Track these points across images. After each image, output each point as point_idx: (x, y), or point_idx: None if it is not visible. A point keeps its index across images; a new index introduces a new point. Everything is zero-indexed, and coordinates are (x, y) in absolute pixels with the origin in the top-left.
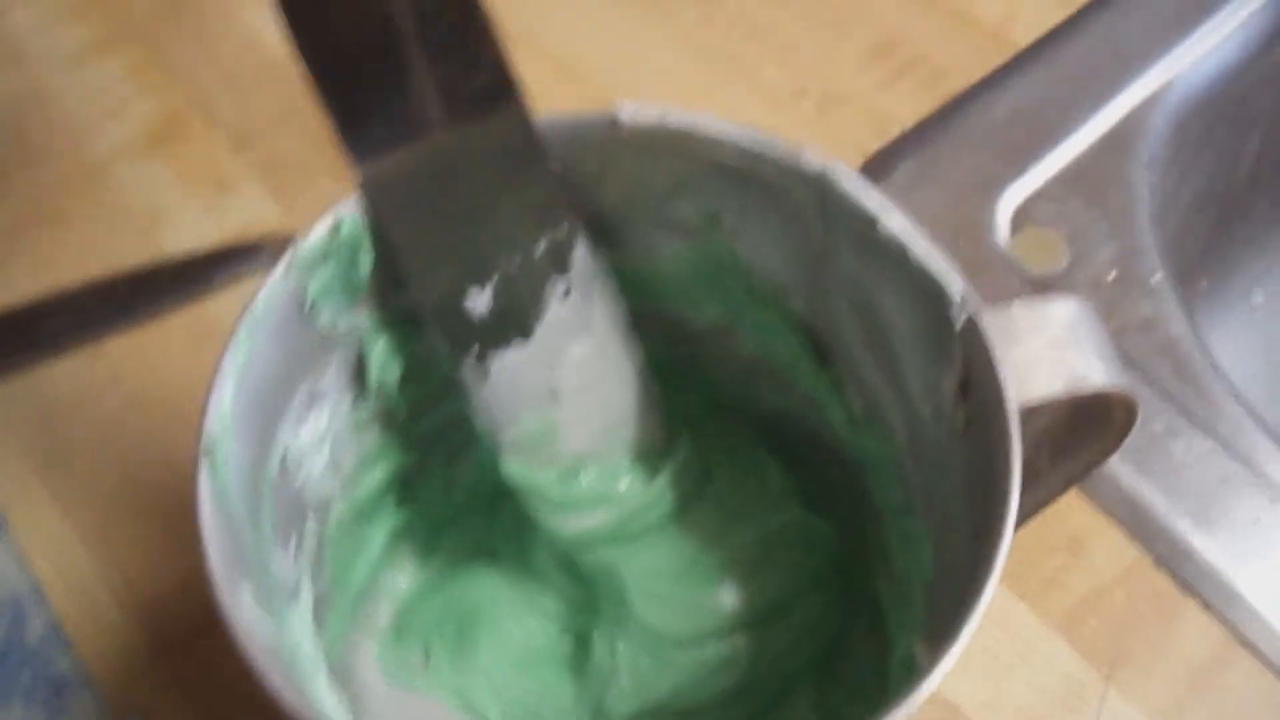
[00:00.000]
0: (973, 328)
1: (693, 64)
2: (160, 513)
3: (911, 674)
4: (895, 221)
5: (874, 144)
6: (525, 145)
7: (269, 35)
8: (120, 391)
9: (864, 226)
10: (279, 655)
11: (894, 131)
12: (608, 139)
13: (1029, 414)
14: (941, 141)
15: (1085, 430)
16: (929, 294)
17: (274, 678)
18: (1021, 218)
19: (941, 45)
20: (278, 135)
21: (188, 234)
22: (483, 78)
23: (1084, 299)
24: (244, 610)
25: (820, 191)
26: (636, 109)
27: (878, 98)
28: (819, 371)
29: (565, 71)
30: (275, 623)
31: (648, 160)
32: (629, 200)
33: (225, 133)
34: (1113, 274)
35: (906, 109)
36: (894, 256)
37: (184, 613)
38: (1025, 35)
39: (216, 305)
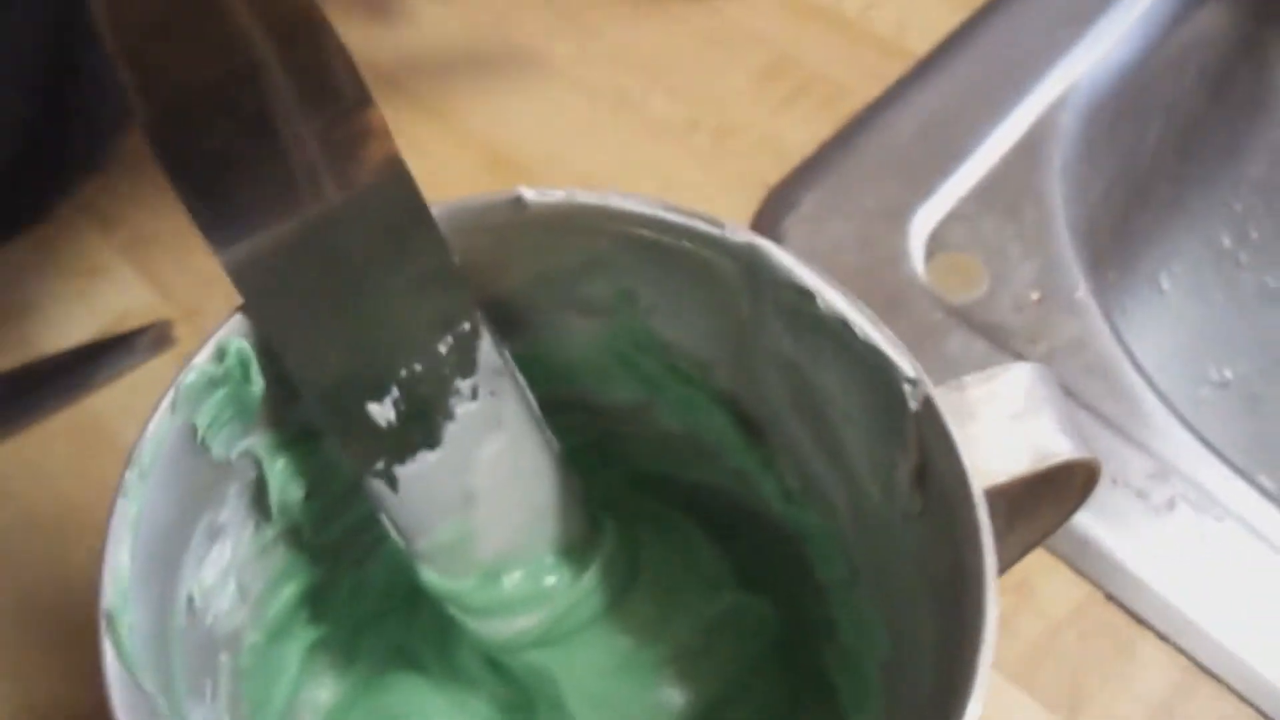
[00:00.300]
0: (929, 410)
1: (573, 100)
2: (62, 640)
3: None
4: (834, 297)
5: (774, 174)
6: (422, 243)
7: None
8: (7, 506)
9: (798, 302)
10: None
11: (794, 159)
12: (511, 221)
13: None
14: (845, 167)
15: (1044, 497)
16: (875, 372)
17: None
18: (935, 243)
19: (835, 61)
20: (145, 213)
21: (60, 327)
22: (358, 150)
23: (1038, 359)
24: None
25: (747, 265)
26: (540, 189)
27: (774, 123)
28: (748, 447)
29: (436, 119)
30: None
31: (555, 240)
32: (536, 283)
33: (90, 213)
34: (1036, 295)
35: (805, 133)
36: (833, 333)
37: None
38: (921, 44)
39: (100, 402)
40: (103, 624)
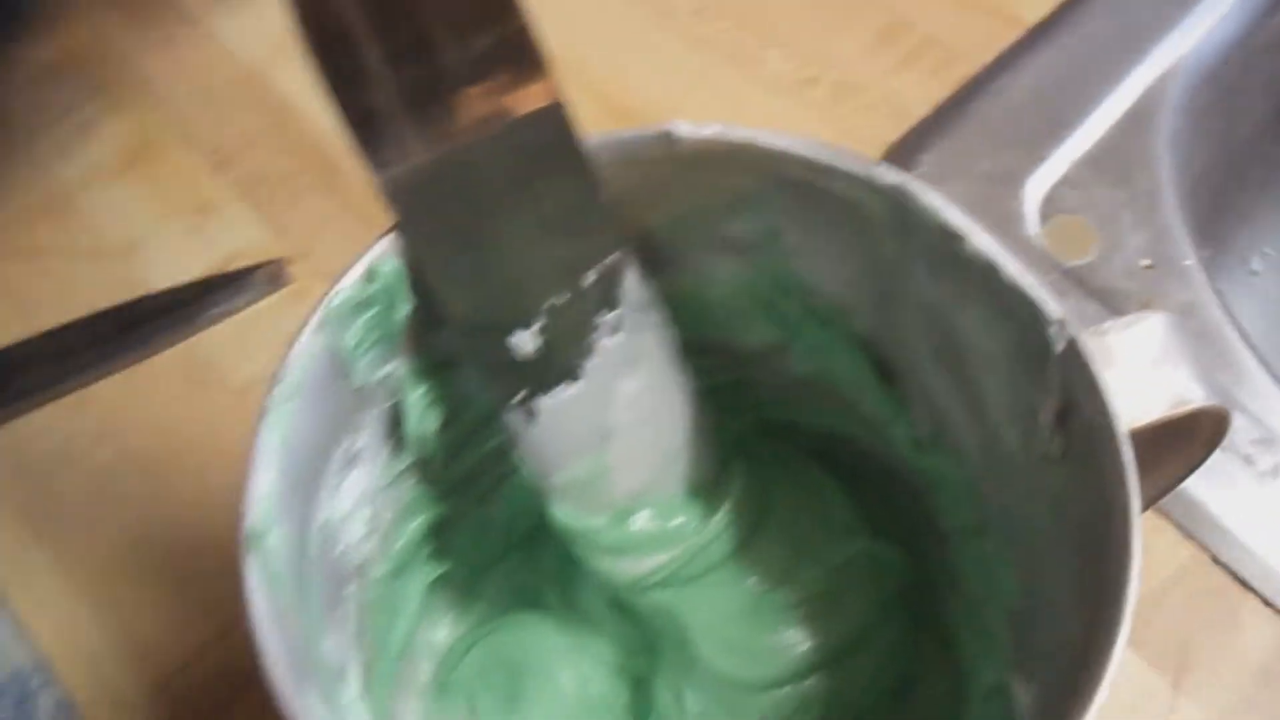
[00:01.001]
0: (1074, 351)
1: (691, 53)
2: (169, 574)
3: (1002, 707)
4: (983, 239)
5: (891, 133)
6: (574, 175)
7: (242, 45)
8: (111, 442)
9: (945, 243)
10: None
11: (909, 119)
12: (662, 156)
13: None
14: (961, 130)
15: (1170, 447)
16: (1020, 315)
17: None
18: (1049, 207)
19: (951, 26)
20: (259, 151)
21: (170, 264)
22: (512, 71)
23: (1163, 310)
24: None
25: (896, 206)
26: (692, 124)
27: (891, 83)
28: (883, 393)
29: (559, 68)
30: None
31: (704, 177)
32: (682, 220)
33: (202, 151)
34: (1146, 261)
35: (921, 94)
36: (979, 275)
37: (203, 683)
38: (1032, 13)
39: (209, 340)
40: (245, 544)
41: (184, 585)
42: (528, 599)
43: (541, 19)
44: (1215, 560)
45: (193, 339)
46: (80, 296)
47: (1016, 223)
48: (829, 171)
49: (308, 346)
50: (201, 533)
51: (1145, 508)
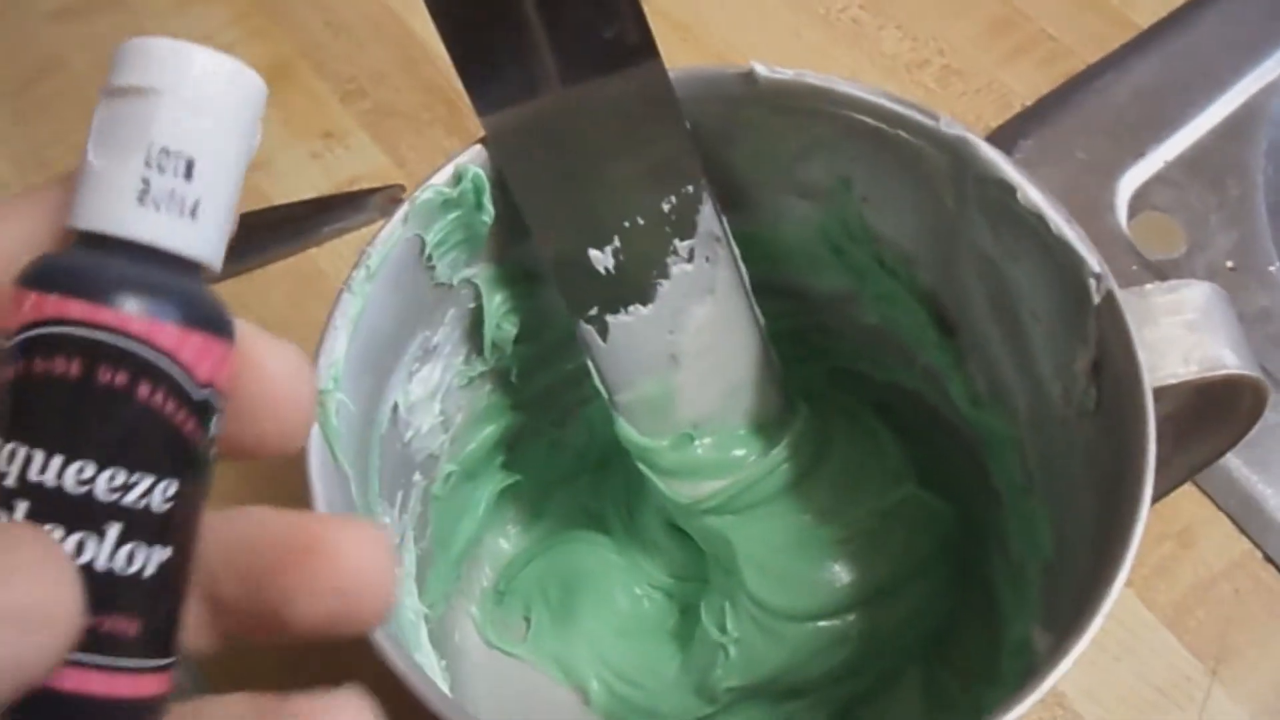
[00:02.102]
0: (1110, 303)
1: (812, 29)
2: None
3: (1027, 659)
4: (1033, 193)
5: (995, 119)
6: (659, 100)
7: None
8: None
9: (1002, 195)
10: None
11: (1013, 108)
12: (743, 95)
13: (1156, 398)
14: (1062, 121)
15: (1211, 417)
16: (1065, 267)
17: (381, 640)
18: (1140, 202)
19: (1062, 23)
20: (388, 86)
21: (294, 182)
22: (616, 29)
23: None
24: None
25: (957, 158)
26: (771, 66)
27: (998, 72)
28: (942, 344)
29: (681, 31)
30: None
31: (782, 119)
32: (759, 161)
33: (333, 82)
34: (1230, 263)
35: (1027, 85)
36: (1031, 227)
37: None
38: (1144, 17)
39: (323, 253)
40: None
41: (271, 492)
42: (591, 520)
43: None
44: (1268, 558)
45: (309, 251)
46: None
47: (1106, 214)
48: (898, 119)
49: (392, 235)
50: None
51: (1188, 477)
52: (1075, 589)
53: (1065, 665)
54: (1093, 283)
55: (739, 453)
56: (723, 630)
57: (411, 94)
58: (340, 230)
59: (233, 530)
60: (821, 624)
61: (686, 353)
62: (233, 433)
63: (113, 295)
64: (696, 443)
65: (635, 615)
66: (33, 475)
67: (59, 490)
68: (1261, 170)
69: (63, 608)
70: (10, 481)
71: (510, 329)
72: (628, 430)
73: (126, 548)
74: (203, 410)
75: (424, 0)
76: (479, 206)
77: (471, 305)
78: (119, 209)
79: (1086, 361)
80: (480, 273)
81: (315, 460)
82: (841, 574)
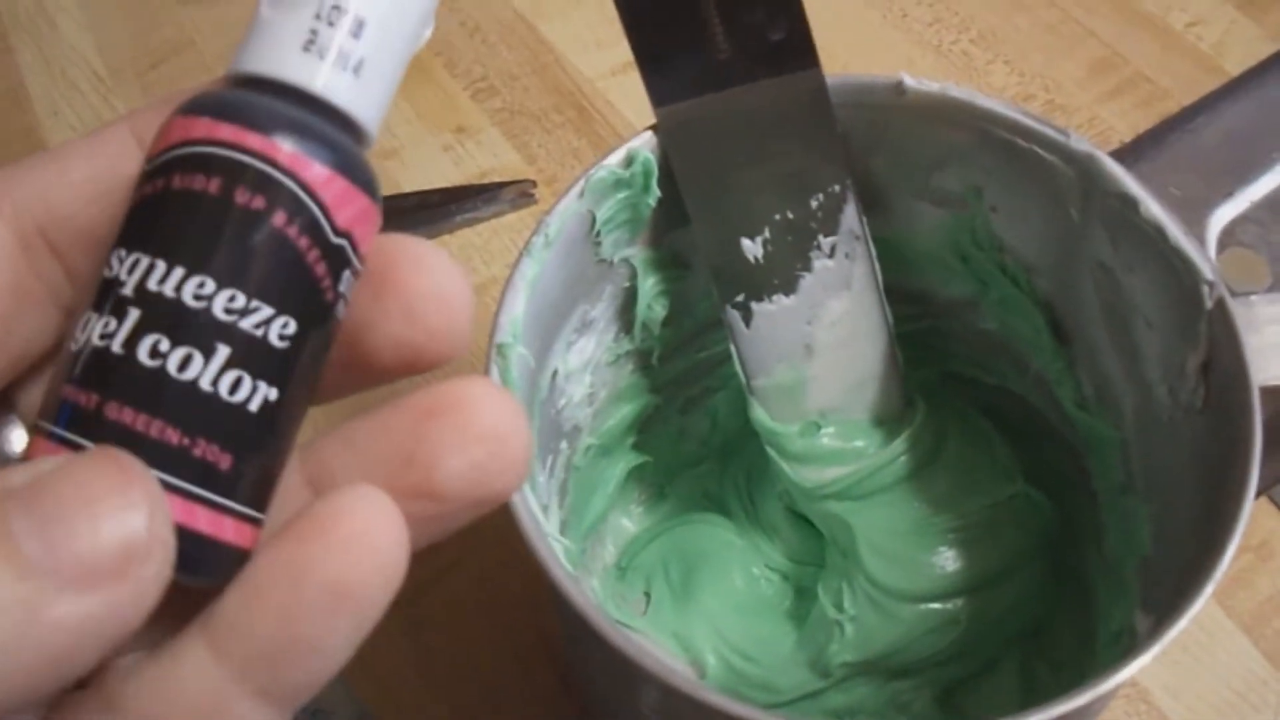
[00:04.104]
0: (1222, 308)
1: (925, 59)
2: None
3: (1128, 644)
4: (1154, 206)
5: None
6: (815, 104)
7: None
8: None
9: (1125, 208)
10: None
11: (1111, 144)
12: (890, 104)
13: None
14: (1157, 158)
15: None
16: (1180, 275)
17: (554, 566)
18: (1228, 238)
19: (1158, 67)
20: (520, 87)
21: (425, 172)
22: (781, 37)
23: None
24: (528, 506)
25: (1084, 172)
26: (920, 79)
27: (1098, 109)
28: (1056, 350)
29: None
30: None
31: (923, 128)
32: (898, 168)
33: (465, 80)
34: None
35: (1124, 123)
36: (1150, 238)
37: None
38: (1235, 64)
39: (455, 241)
40: (494, 354)
41: None
42: (712, 504)
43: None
44: None
45: (441, 238)
46: None
47: None
48: (1031, 134)
49: (569, 207)
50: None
51: (1275, 484)
52: (1176, 577)
53: (1165, 641)
54: (1206, 289)
55: (861, 443)
56: (839, 608)
57: (542, 95)
58: (472, 220)
59: (372, 422)
60: (932, 606)
61: (820, 344)
62: (398, 332)
63: (264, 124)
64: (823, 431)
65: (753, 594)
66: (151, 284)
67: (176, 303)
68: None
69: (158, 541)
70: (127, 290)
71: (660, 310)
72: (761, 415)
73: (233, 373)
74: (336, 256)
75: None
76: (646, 189)
77: (627, 285)
78: (282, 54)
79: (1197, 361)
80: (638, 254)
81: None
82: (952, 560)
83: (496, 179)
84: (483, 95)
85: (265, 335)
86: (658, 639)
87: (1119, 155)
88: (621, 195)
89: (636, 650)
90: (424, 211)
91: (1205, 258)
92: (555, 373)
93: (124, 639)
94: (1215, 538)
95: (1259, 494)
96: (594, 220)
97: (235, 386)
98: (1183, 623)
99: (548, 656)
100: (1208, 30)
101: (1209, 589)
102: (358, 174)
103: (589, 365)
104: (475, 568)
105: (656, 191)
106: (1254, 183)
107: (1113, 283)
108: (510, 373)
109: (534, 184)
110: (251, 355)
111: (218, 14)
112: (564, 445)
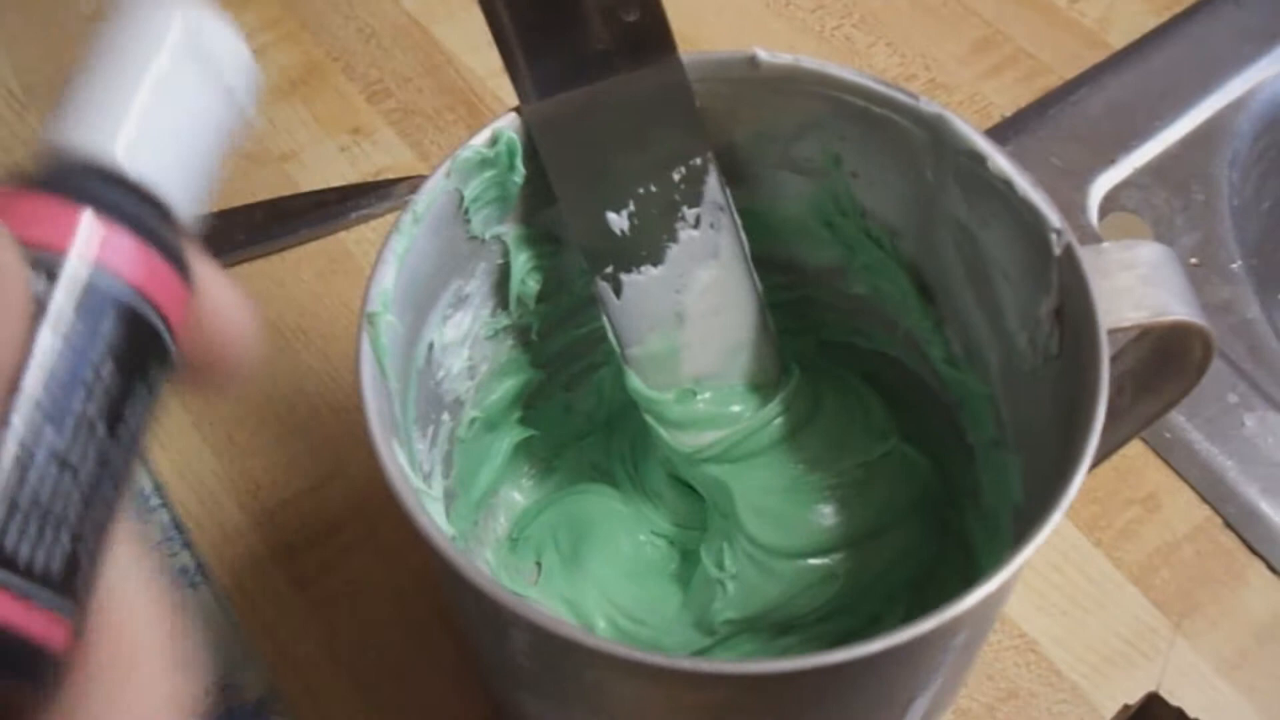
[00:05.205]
0: (1070, 255)
1: (811, 46)
2: (286, 429)
3: None
4: (1001, 160)
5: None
6: (674, 86)
7: None
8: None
9: (974, 164)
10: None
11: (993, 119)
12: (745, 77)
13: (1116, 354)
14: (1039, 130)
15: (1165, 368)
16: (1031, 225)
17: (421, 518)
18: (1109, 203)
19: (1041, 43)
20: (412, 88)
21: (323, 172)
22: (636, 19)
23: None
24: (395, 460)
25: (935, 132)
26: (773, 53)
27: (980, 87)
28: (923, 311)
29: (684, 41)
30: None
31: (780, 100)
32: (759, 139)
33: (361, 83)
34: (1194, 260)
35: (1006, 98)
36: (1000, 191)
37: (305, 521)
38: (1120, 39)
39: (351, 238)
40: (364, 323)
41: (296, 438)
42: (599, 474)
43: (683, 10)
44: (1227, 524)
45: (338, 234)
46: (240, 189)
47: (1078, 213)
48: (883, 99)
49: (435, 186)
50: (320, 398)
51: (1147, 424)
52: (1043, 520)
53: (1009, 571)
54: (1054, 237)
55: (736, 408)
56: (721, 567)
57: (434, 95)
58: (367, 216)
59: None
60: (812, 561)
61: (691, 312)
62: (189, 350)
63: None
64: (698, 397)
65: (639, 559)
66: None
67: None
68: (1226, 178)
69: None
70: None
71: (533, 286)
72: (637, 383)
73: None
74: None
75: (480, 3)
76: (511, 167)
77: (500, 261)
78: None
79: (1050, 307)
80: (509, 231)
81: (366, 372)
82: (829, 517)
83: (391, 176)
84: (378, 97)
85: None
86: (550, 605)
87: (1001, 129)
88: (488, 174)
89: (497, 589)
90: (320, 209)
91: (1053, 207)
92: (431, 345)
93: None
94: (1068, 473)
95: (1131, 437)
96: (462, 198)
97: None
98: (1027, 552)
99: (447, 629)
100: (1091, 6)
101: (1055, 518)
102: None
103: (466, 339)
104: (373, 546)
105: (522, 170)
106: (1136, 150)
107: (970, 239)
108: (380, 340)
109: (426, 179)
110: None
111: None
112: (446, 416)
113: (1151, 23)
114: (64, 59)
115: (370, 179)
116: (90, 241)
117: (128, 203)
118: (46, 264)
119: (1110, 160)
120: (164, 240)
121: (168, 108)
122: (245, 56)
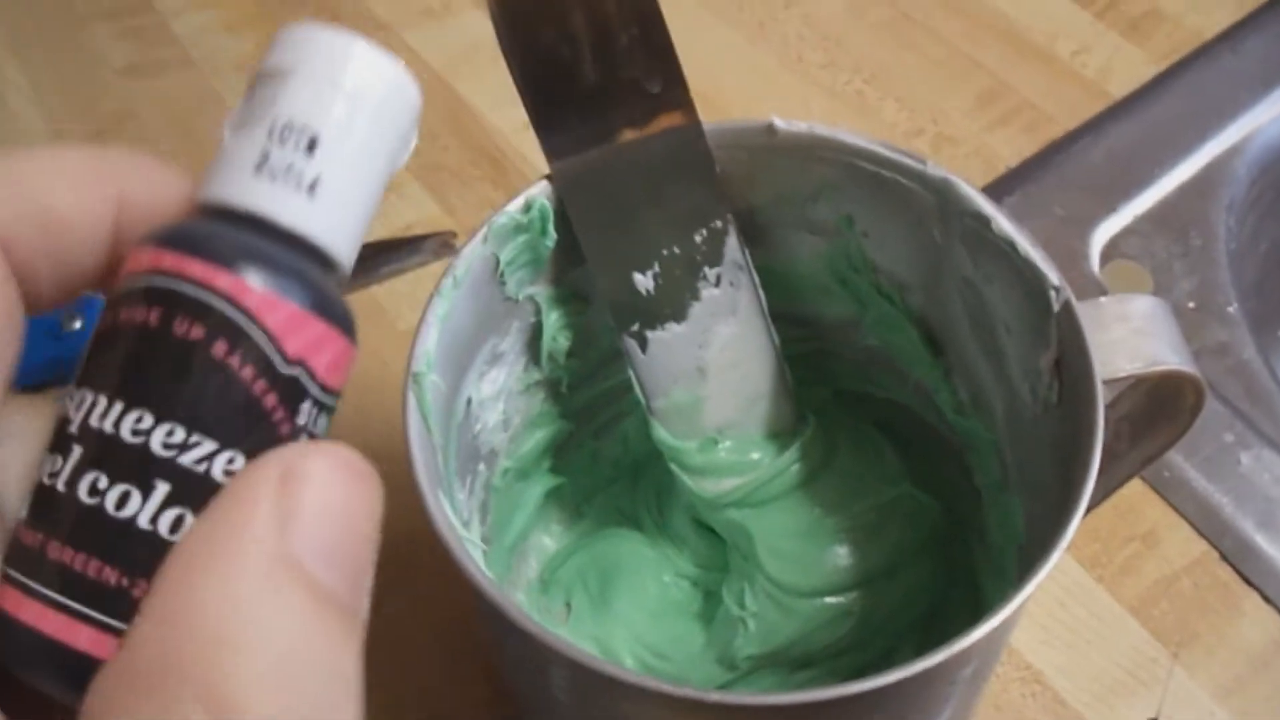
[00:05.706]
0: (1068, 310)
1: (823, 101)
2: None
3: None
4: (1004, 222)
5: (981, 180)
6: (694, 150)
7: (428, 51)
8: None
9: (979, 226)
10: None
11: (998, 170)
12: (763, 145)
13: (1113, 401)
14: (1043, 180)
15: (1160, 414)
16: (1032, 283)
17: (469, 564)
18: (1111, 250)
19: (1044, 95)
20: (438, 145)
21: None
22: (659, 90)
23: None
24: (442, 510)
25: (942, 196)
26: (788, 120)
27: (986, 138)
28: (932, 362)
29: (702, 100)
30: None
31: (795, 165)
32: (776, 202)
33: None
34: (1192, 303)
35: (1011, 149)
36: (1003, 252)
37: None
38: (1120, 88)
39: (383, 291)
40: (409, 383)
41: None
42: (626, 519)
43: (693, 60)
44: (1224, 558)
45: (370, 289)
46: None
47: (1081, 261)
48: (893, 165)
49: (474, 252)
50: (354, 448)
51: (1145, 465)
52: (1044, 558)
53: (1012, 607)
54: (1053, 294)
55: (756, 455)
56: (742, 606)
57: (460, 151)
58: (398, 270)
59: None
60: (828, 600)
61: (712, 366)
62: None
63: (205, 250)
64: (720, 446)
65: (664, 599)
66: (93, 420)
67: (113, 438)
68: (1223, 223)
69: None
70: (73, 427)
71: (564, 342)
72: (662, 433)
73: (173, 511)
74: (289, 388)
75: (510, 68)
76: (544, 232)
77: (532, 320)
78: (232, 176)
79: (1049, 360)
80: (541, 291)
81: (413, 428)
82: (844, 557)
83: (419, 231)
84: None
85: (208, 471)
86: (579, 644)
87: (1006, 179)
88: (522, 238)
89: (539, 629)
90: (355, 264)
91: (1052, 266)
92: (470, 400)
93: None
94: (1068, 514)
95: (1130, 478)
96: (498, 262)
97: (176, 525)
98: (1030, 588)
99: (484, 670)
100: (1092, 57)
101: (1055, 557)
102: (310, 298)
103: (501, 394)
104: (409, 595)
105: (553, 234)
106: (1136, 197)
107: (975, 294)
108: (425, 398)
109: (454, 234)
110: (192, 491)
111: (159, 86)
112: (482, 467)
113: (1151, 72)
114: (95, 113)
115: (399, 233)
116: (324, 371)
117: (332, 306)
118: (319, 401)
119: (1111, 208)
120: (349, 327)
121: (351, 167)
122: (410, 90)
